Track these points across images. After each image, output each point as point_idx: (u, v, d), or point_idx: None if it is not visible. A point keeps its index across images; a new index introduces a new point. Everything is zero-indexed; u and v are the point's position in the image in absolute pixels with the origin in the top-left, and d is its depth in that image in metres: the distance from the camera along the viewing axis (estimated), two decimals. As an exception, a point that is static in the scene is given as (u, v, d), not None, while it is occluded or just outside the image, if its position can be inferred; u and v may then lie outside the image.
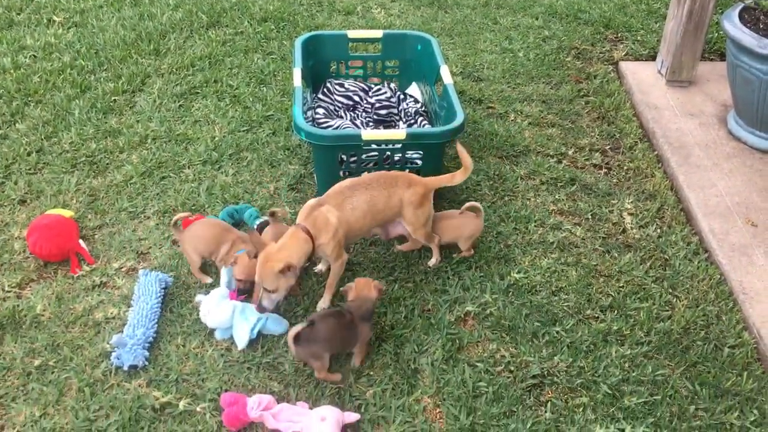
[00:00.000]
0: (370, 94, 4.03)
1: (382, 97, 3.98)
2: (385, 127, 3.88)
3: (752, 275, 3.22)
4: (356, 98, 3.99)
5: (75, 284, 3.10)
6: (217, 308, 2.87)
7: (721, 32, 4.99)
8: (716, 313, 3.07)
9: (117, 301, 3.03)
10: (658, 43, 4.89)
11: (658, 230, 3.51)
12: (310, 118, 3.75)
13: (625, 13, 5.44)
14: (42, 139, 3.94)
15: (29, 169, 3.74)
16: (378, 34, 4.08)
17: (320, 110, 3.84)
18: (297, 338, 2.64)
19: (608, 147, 4.10)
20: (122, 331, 2.84)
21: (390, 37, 4.07)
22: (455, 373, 2.77)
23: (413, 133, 3.27)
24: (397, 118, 3.92)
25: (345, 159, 3.37)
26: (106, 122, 4.11)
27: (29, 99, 4.27)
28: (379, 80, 4.19)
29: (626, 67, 4.79)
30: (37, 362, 2.77)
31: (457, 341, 2.90)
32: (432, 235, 3.18)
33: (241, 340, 2.82)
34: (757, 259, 3.29)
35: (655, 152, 4.06)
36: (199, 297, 2.96)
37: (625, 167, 3.95)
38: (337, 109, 3.94)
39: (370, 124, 3.88)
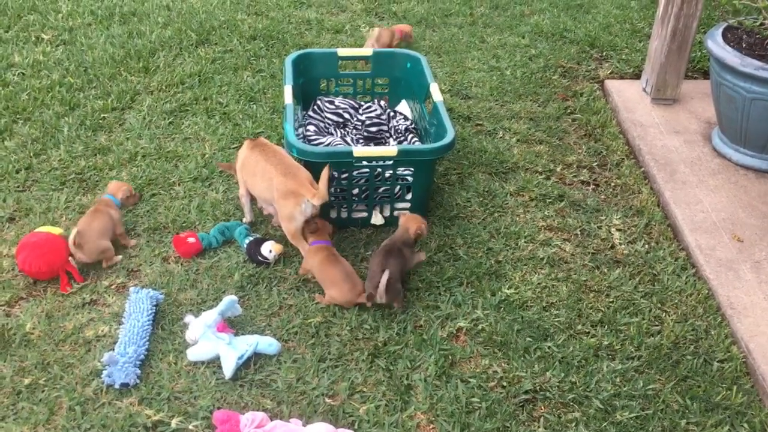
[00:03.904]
0: (360, 111, 4.06)
1: (373, 114, 4.01)
2: (376, 144, 3.90)
3: (739, 290, 3.26)
4: (346, 115, 4.02)
5: (65, 302, 3.08)
6: (199, 343, 2.86)
7: (703, 51, 5.08)
8: (705, 328, 3.11)
9: (107, 318, 3.01)
10: (642, 62, 4.96)
11: (646, 246, 3.55)
12: (301, 136, 3.77)
13: (610, 32, 5.53)
14: (31, 157, 3.93)
15: (18, 187, 3.72)
16: (368, 52, 4.12)
17: (311, 127, 3.86)
18: (387, 289, 2.98)
19: (595, 164, 4.14)
20: (113, 349, 2.82)
21: (380, 55, 4.11)
22: (448, 389, 2.78)
23: (404, 150, 3.29)
24: (388, 135, 3.95)
25: (336, 176, 3.39)
26: (95, 139, 4.10)
27: (18, 116, 4.25)
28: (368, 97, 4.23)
29: (612, 85, 4.86)
30: (26, 381, 2.74)
31: (450, 357, 2.91)
32: (299, 238, 3.23)
33: (228, 369, 2.77)
34: (744, 274, 3.33)
35: (642, 169, 4.12)
36: (188, 317, 2.94)
37: (613, 184, 3.99)
38: (327, 126, 3.96)
39: (361, 141, 3.91)
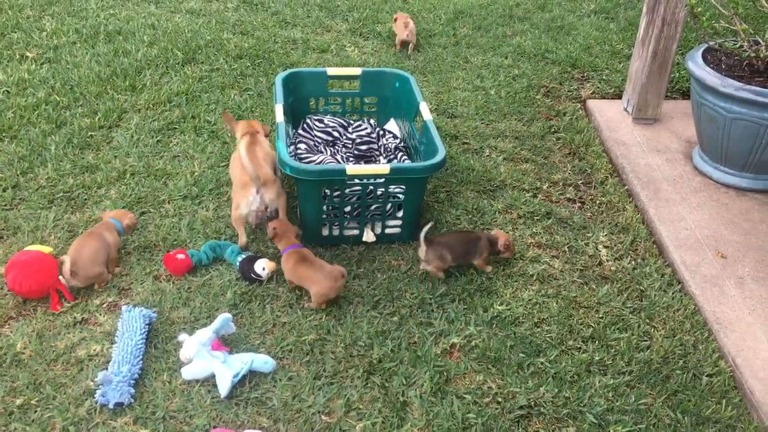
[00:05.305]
0: (350, 129, 4.09)
1: (363, 132, 4.05)
2: (366, 162, 3.93)
3: (724, 305, 3.32)
4: (336, 134, 4.05)
5: (56, 321, 3.05)
6: (193, 362, 2.85)
7: (682, 72, 5.21)
8: (693, 343, 3.17)
9: (99, 337, 2.99)
10: (623, 82, 5.07)
11: (633, 262, 3.61)
12: (293, 154, 3.79)
13: (590, 53, 5.65)
14: (18, 175, 3.89)
15: (5, 205, 3.69)
16: (357, 71, 4.16)
17: (302, 146, 3.88)
18: (429, 240, 3.28)
19: (580, 182, 4.22)
20: (106, 368, 2.80)
21: (368, 75, 4.15)
22: (444, 405, 2.80)
23: (397, 168, 3.32)
24: (378, 153, 3.98)
25: (328, 193, 3.41)
26: (83, 158, 4.08)
27: (3, 134, 4.22)
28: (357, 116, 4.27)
29: (594, 105, 4.96)
30: (18, 401, 2.70)
31: (445, 373, 2.93)
32: (239, 224, 3.43)
33: (224, 388, 2.76)
34: (728, 290, 3.40)
35: (625, 187, 4.19)
36: (182, 336, 2.92)
37: (598, 201, 4.06)
38: (317, 144, 3.99)
39: (351, 159, 3.94)
